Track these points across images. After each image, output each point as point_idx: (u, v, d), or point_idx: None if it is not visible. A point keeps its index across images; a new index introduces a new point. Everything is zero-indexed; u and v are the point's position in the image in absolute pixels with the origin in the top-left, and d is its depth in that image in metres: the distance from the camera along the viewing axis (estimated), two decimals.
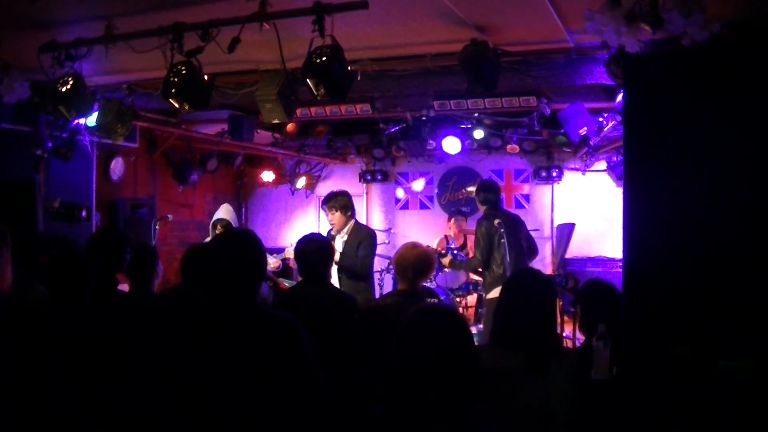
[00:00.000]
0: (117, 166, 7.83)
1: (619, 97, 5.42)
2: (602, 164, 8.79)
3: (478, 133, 8.11)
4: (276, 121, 5.01)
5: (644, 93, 3.25)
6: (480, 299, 7.75)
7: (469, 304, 8.15)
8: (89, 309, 3.10)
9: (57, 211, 6.11)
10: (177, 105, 4.41)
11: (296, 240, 4.18)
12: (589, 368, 3.00)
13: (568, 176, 9.19)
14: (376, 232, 6.50)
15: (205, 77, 4.40)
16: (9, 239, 3.25)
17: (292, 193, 10.34)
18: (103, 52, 4.43)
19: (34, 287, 3.50)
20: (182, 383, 2.44)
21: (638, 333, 3.13)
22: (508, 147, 8.72)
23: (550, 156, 9.22)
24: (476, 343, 1.92)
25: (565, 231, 8.78)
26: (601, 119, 6.84)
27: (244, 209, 10.57)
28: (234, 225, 6.12)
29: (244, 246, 2.58)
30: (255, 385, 2.38)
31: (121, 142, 6.40)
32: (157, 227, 7.33)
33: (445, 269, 7.36)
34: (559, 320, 6.05)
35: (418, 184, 9.98)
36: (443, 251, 6.70)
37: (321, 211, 10.12)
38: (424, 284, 7.40)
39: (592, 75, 4.81)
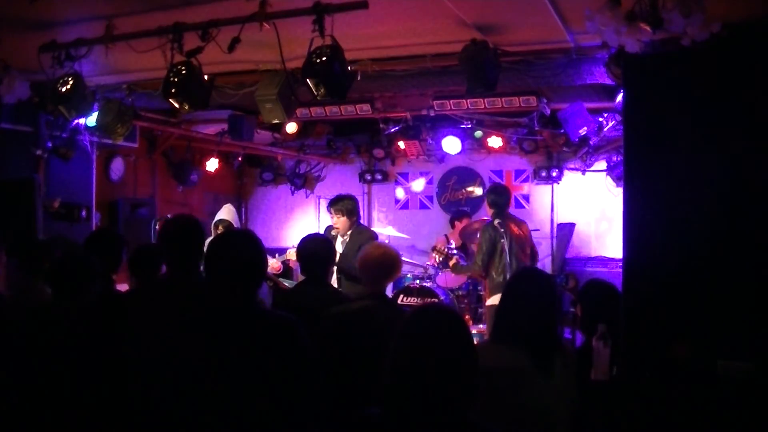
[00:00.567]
0: (117, 166, 7.83)
1: (619, 97, 5.42)
2: (602, 164, 8.79)
3: (478, 134, 8.11)
4: (276, 121, 5.01)
5: (644, 93, 3.25)
6: (480, 299, 7.75)
7: (468, 305, 8.14)
8: (90, 309, 3.10)
9: (57, 211, 6.11)
10: (177, 105, 4.42)
11: (297, 240, 4.17)
12: (589, 368, 3.00)
13: (568, 176, 9.18)
14: (376, 232, 6.51)
15: (205, 77, 4.40)
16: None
17: (292, 193, 10.34)
18: (103, 52, 4.44)
19: (36, 288, 3.51)
20: (182, 383, 2.43)
21: (638, 333, 3.12)
22: (508, 147, 8.73)
23: (550, 156, 9.22)
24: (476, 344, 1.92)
25: (565, 231, 8.78)
26: (601, 119, 6.84)
27: (244, 209, 10.56)
28: (236, 226, 6.12)
29: (244, 246, 2.58)
30: (255, 385, 2.38)
31: (121, 142, 6.41)
32: (157, 227, 7.31)
33: (444, 270, 7.36)
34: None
35: (418, 184, 9.98)
36: (449, 254, 6.67)
37: (321, 210, 10.21)
38: (425, 284, 7.43)
39: (592, 75, 4.81)
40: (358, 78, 4.79)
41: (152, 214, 7.85)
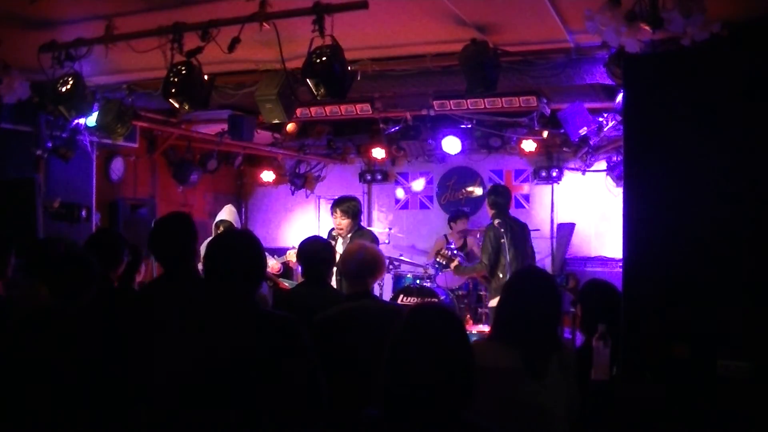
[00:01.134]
0: (117, 166, 7.82)
1: (619, 97, 5.42)
2: (602, 164, 8.78)
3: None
4: (276, 121, 5.01)
5: (644, 93, 3.24)
6: (480, 299, 7.75)
7: (468, 305, 8.14)
8: (90, 309, 3.10)
9: (57, 211, 6.11)
10: (177, 105, 4.42)
11: (297, 241, 4.19)
12: (589, 368, 3.00)
13: (568, 176, 9.18)
14: (377, 233, 6.51)
15: (205, 77, 4.40)
16: None
17: (292, 193, 10.34)
18: (103, 52, 4.44)
19: (35, 288, 3.51)
20: (182, 383, 2.43)
21: (638, 333, 3.12)
22: (508, 147, 8.73)
23: (550, 156, 9.22)
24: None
25: (565, 231, 8.77)
26: (601, 119, 6.84)
27: (244, 209, 10.56)
28: (236, 226, 6.13)
29: (243, 246, 2.58)
30: (255, 384, 2.38)
31: (121, 142, 6.42)
32: None
33: (445, 270, 7.35)
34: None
35: (418, 184, 9.98)
36: (450, 255, 6.66)
37: (321, 211, 10.21)
38: (425, 284, 7.42)
39: (592, 75, 4.81)
40: (358, 78, 4.79)
41: (152, 214, 7.85)
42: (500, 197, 6.16)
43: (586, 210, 9.00)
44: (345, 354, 3.23)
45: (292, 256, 6.35)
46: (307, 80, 4.00)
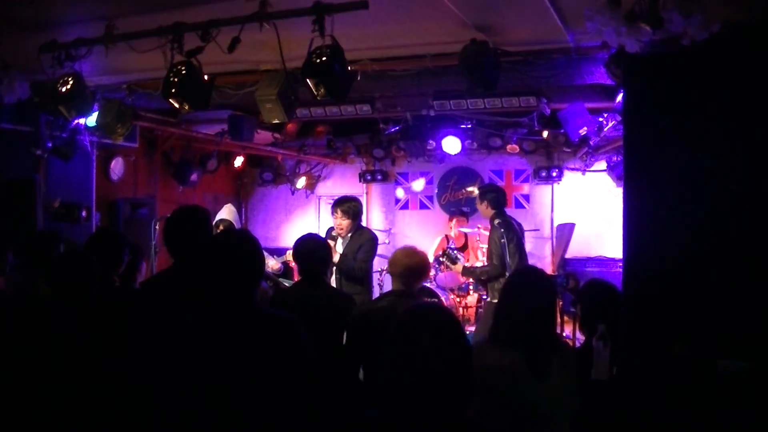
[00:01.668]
0: (117, 166, 7.83)
1: (619, 97, 5.42)
2: (602, 164, 8.79)
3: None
4: (276, 121, 5.01)
5: (644, 93, 3.25)
6: (480, 299, 7.75)
7: (468, 305, 8.15)
8: (90, 309, 3.10)
9: (57, 211, 6.11)
10: (177, 105, 4.41)
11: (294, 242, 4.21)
12: (589, 368, 3.00)
13: (568, 176, 9.19)
14: (377, 232, 6.50)
15: (205, 77, 4.40)
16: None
17: (292, 193, 10.34)
18: (103, 52, 4.43)
19: (36, 287, 3.51)
20: (182, 383, 2.44)
21: (638, 333, 3.13)
22: (508, 147, 8.73)
23: (550, 156, 9.22)
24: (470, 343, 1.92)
25: (565, 231, 8.78)
26: (601, 119, 6.84)
27: (244, 209, 10.57)
28: (236, 226, 6.13)
29: (241, 246, 2.58)
30: (255, 384, 2.38)
31: (121, 142, 6.41)
32: (157, 227, 7.32)
33: (446, 269, 7.35)
34: (559, 320, 6.04)
35: (418, 184, 9.98)
36: (456, 258, 6.57)
37: (321, 210, 10.22)
38: (425, 284, 7.42)
39: (592, 75, 4.81)
40: (358, 78, 4.79)
41: (152, 214, 7.85)
42: (501, 196, 6.13)
43: (586, 210, 9.01)
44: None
45: (291, 256, 6.35)
46: (307, 80, 4.00)
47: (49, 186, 6.21)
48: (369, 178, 10.10)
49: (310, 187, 10.37)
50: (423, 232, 9.59)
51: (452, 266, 6.46)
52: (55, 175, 6.33)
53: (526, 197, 9.51)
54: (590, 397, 2.93)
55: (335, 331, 4.10)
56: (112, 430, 2.86)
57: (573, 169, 9.15)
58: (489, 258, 5.99)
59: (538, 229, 9.05)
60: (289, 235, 10.11)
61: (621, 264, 3.37)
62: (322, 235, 5.29)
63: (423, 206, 10.04)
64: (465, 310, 8.06)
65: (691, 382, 2.97)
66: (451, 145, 8.27)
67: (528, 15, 4.19)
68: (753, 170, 3.04)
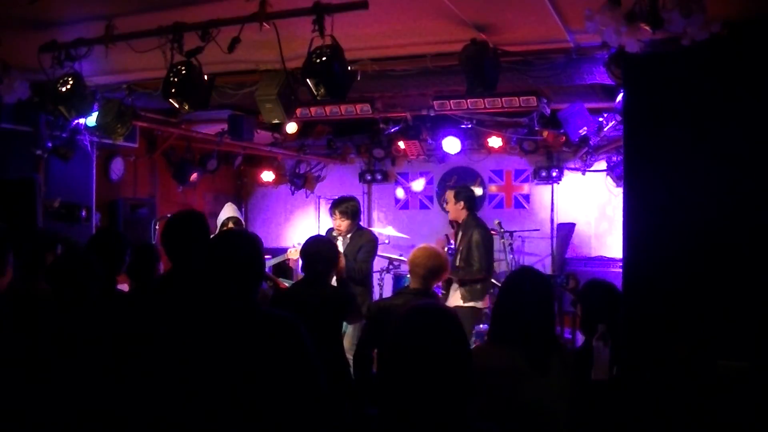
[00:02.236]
0: (117, 166, 7.83)
1: (619, 97, 5.42)
2: (602, 164, 8.78)
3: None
4: (276, 121, 5.01)
5: (644, 93, 3.25)
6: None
7: None
8: (91, 309, 3.10)
9: (57, 211, 6.11)
10: (177, 105, 4.41)
11: (298, 239, 4.25)
12: (589, 368, 3.00)
13: (568, 176, 9.18)
14: (377, 233, 6.50)
15: (205, 77, 4.40)
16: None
17: (292, 193, 10.34)
18: (103, 52, 4.43)
19: (37, 287, 3.51)
20: (182, 383, 2.43)
21: (638, 333, 3.13)
22: (508, 147, 8.72)
23: (550, 156, 9.22)
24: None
25: (565, 231, 8.77)
26: (601, 119, 6.83)
27: (244, 209, 10.56)
28: (242, 222, 6.17)
29: (242, 246, 2.59)
30: (256, 384, 2.38)
31: (121, 142, 6.41)
32: (157, 227, 7.32)
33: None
34: (558, 320, 6.04)
35: (418, 184, 9.98)
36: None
37: (321, 211, 10.21)
38: None
39: (592, 75, 4.81)
40: (358, 78, 4.79)
41: (152, 214, 7.85)
42: (474, 197, 6.10)
43: (586, 210, 9.00)
44: None
45: (292, 255, 6.36)
46: (307, 80, 4.00)
47: (49, 186, 6.21)
48: (369, 178, 10.09)
49: (310, 187, 10.37)
50: (423, 232, 9.58)
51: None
52: (55, 175, 6.33)
53: (526, 197, 9.51)
54: (590, 397, 2.93)
55: (335, 329, 4.12)
56: (113, 430, 2.86)
57: (573, 169, 9.14)
58: (465, 260, 5.80)
59: (538, 229, 9.04)
60: (289, 235, 10.10)
61: (621, 264, 3.37)
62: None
63: (423, 206, 10.03)
64: None
65: (691, 382, 2.97)
66: (451, 145, 8.27)
67: (528, 15, 4.19)
68: (753, 170, 3.03)
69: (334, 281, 5.32)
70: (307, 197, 10.42)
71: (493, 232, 7.99)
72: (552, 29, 4.35)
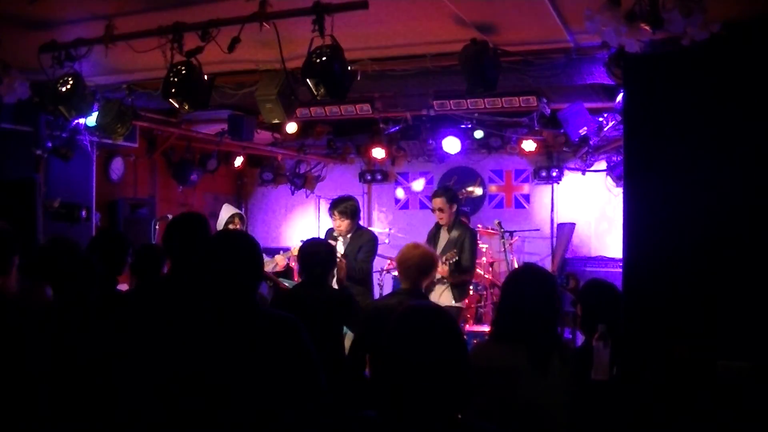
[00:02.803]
0: (117, 166, 7.83)
1: (619, 97, 5.42)
2: (602, 164, 8.79)
3: (478, 133, 8.11)
4: (276, 121, 5.01)
5: (644, 93, 3.24)
6: (480, 298, 7.74)
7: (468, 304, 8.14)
8: (92, 310, 3.10)
9: (57, 211, 6.11)
10: (177, 105, 4.42)
11: (297, 241, 4.25)
12: (589, 368, 3.00)
13: (568, 176, 9.18)
14: (377, 233, 6.50)
15: (205, 77, 4.40)
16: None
17: (292, 193, 10.34)
18: (103, 52, 4.44)
19: (39, 289, 3.50)
20: (183, 383, 2.43)
21: (638, 333, 3.12)
22: (508, 147, 8.72)
23: (550, 156, 9.22)
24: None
25: (565, 231, 8.78)
26: (601, 119, 6.84)
27: (244, 209, 10.56)
28: (245, 218, 6.18)
29: (241, 246, 2.59)
30: (255, 384, 2.38)
31: (121, 142, 6.41)
32: (156, 227, 7.32)
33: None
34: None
35: (418, 184, 9.98)
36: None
37: (321, 211, 10.21)
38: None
39: (592, 75, 4.81)
40: (358, 78, 4.79)
41: (152, 214, 7.85)
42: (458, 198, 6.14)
43: (586, 210, 9.01)
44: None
45: (280, 260, 6.43)
46: (307, 80, 4.00)
47: (49, 186, 6.21)
48: (369, 178, 10.09)
49: (310, 187, 10.37)
50: (423, 232, 9.56)
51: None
52: (55, 175, 6.33)
53: (526, 197, 9.51)
54: (590, 397, 2.93)
55: (335, 331, 4.11)
56: (113, 430, 2.86)
57: (573, 169, 9.14)
58: (460, 261, 5.72)
59: (538, 229, 9.05)
60: (289, 234, 10.11)
61: (621, 264, 3.36)
62: (322, 235, 5.30)
63: (423, 206, 10.03)
64: (465, 309, 8.04)
65: (691, 382, 2.97)
66: (451, 145, 8.27)
67: (528, 15, 4.19)
68: (754, 170, 3.03)
69: (335, 283, 5.33)
70: (307, 197, 10.42)
71: (493, 231, 8.05)
72: (552, 29, 4.35)
